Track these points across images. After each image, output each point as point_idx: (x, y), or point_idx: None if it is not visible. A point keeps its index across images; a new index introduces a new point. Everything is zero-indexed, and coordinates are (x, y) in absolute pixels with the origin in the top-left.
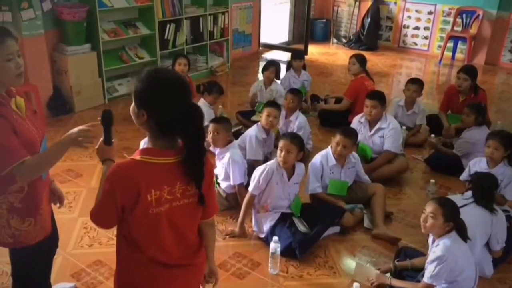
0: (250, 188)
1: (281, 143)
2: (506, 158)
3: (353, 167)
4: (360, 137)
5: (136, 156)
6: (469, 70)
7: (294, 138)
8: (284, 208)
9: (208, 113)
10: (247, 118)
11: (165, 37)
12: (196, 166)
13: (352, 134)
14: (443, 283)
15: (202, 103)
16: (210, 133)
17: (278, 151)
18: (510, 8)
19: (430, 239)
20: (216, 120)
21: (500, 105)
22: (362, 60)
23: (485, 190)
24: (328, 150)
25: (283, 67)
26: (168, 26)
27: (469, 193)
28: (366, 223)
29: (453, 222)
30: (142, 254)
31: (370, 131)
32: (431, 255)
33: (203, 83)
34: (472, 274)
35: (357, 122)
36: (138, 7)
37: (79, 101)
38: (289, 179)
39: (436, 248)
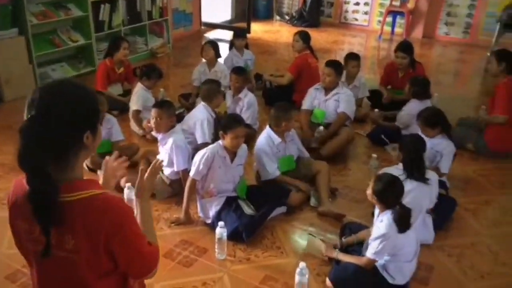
0: (191, 173)
1: (235, 131)
2: (444, 132)
3: (293, 140)
4: (315, 102)
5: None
6: (405, 48)
7: (245, 124)
8: (229, 192)
9: (145, 97)
10: (188, 101)
11: (100, 18)
12: (37, 205)
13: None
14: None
15: (139, 87)
16: (152, 118)
17: (231, 138)
18: None
19: (376, 212)
20: (159, 104)
21: (437, 78)
22: (305, 37)
23: (414, 159)
24: (268, 130)
25: (224, 46)
26: (102, 6)
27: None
28: (312, 201)
29: (377, 197)
30: None
31: (325, 96)
32: (375, 231)
33: (140, 66)
34: (412, 248)
35: (313, 89)
36: None
37: (8, 89)
38: (232, 161)
39: (381, 224)
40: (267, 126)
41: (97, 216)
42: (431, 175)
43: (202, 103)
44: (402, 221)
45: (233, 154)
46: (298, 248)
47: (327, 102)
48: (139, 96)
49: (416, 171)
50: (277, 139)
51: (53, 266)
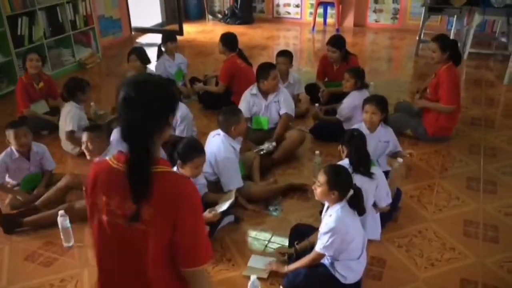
0: None
1: (195, 161)
2: (382, 120)
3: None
4: (254, 109)
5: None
6: (334, 42)
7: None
8: None
9: (80, 116)
10: None
11: (19, 33)
12: (137, 174)
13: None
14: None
15: (72, 106)
16: (83, 143)
17: (192, 168)
18: None
19: (325, 208)
20: (90, 129)
21: (372, 65)
22: (225, 41)
23: (360, 154)
24: (224, 137)
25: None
26: (19, 20)
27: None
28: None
29: (337, 191)
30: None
31: (266, 100)
32: (324, 227)
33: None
34: (360, 243)
35: (249, 95)
36: None
37: None
38: None
39: (329, 218)
40: (221, 133)
41: (173, 187)
42: (376, 170)
43: None
44: (359, 203)
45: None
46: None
47: (269, 107)
48: (73, 116)
49: (363, 166)
50: (236, 145)
51: (121, 239)
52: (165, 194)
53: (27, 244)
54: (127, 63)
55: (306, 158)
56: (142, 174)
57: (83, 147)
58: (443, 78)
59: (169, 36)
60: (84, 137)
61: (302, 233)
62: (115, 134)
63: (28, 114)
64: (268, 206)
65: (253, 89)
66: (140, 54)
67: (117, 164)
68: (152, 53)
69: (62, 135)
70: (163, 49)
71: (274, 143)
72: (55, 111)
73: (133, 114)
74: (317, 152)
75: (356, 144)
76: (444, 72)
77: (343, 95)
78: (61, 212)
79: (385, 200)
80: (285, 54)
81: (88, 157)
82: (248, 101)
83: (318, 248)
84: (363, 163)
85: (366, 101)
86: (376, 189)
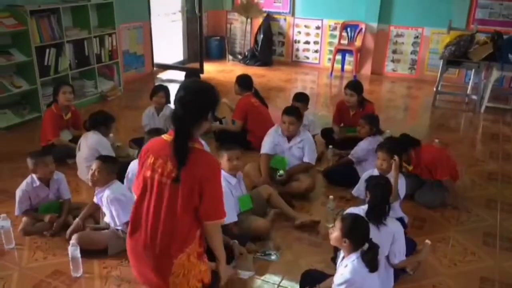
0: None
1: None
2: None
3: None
4: (278, 149)
5: None
6: (354, 86)
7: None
8: None
9: (108, 147)
10: (141, 146)
11: (46, 63)
12: (178, 146)
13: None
14: None
15: (99, 135)
16: (91, 170)
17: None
18: (389, 21)
19: (340, 257)
20: (103, 159)
21: (388, 113)
22: (241, 82)
23: (378, 203)
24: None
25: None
26: (47, 51)
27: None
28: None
29: (349, 239)
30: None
31: (289, 143)
32: (339, 277)
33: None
34: None
35: (274, 133)
36: (10, 33)
37: None
38: None
39: (345, 269)
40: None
41: (203, 160)
42: (394, 224)
43: None
44: (372, 258)
45: None
46: None
47: (291, 150)
48: (106, 144)
49: (377, 215)
50: (233, 179)
51: (165, 193)
52: (196, 163)
53: (36, 271)
54: (151, 98)
55: (319, 202)
56: (182, 146)
57: (89, 173)
58: (438, 156)
59: (194, 74)
60: (94, 165)
61: (313, 279)
62: (132, 166)
63: (57, 143)
64: (265, 251)
65: (278, 129)
66: (168, 93)
67: (168, 137)
68: (172, 89)
69: (80, 163)
70: None
71: (281, 171)
72: (77, 140)
73: (179, 108)
74: (331, 196)
75: (378, 193)
76: (433, 149)
77: (358, 141)
78: (72, 242)
79: (397, 257)
80: (301, 99)
81: (90, 184)
82: (273, 138)
83: None
84: (377, 213)
85: (379, 146)
86: (391, 242)
